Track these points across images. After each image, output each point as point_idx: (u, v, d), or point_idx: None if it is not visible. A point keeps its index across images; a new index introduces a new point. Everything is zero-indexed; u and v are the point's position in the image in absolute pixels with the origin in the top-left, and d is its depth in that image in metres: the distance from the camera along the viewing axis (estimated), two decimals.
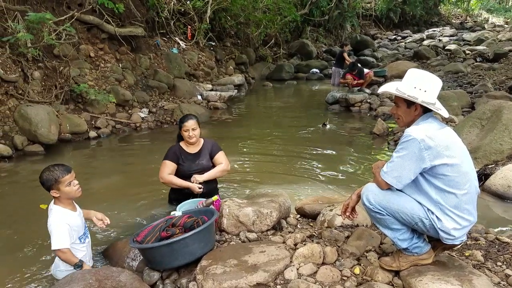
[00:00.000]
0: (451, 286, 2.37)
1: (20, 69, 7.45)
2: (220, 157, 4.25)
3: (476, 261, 2.83)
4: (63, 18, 8.51)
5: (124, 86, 9.38)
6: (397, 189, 2.53)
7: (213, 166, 4.24)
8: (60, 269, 3.11)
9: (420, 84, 2.46)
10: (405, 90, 2.49)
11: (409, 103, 2.51)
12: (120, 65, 9.87)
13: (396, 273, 2.69)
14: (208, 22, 13.43)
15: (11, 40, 7.20)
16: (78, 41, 8.89)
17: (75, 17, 8.74)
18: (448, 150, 2.39)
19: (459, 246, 2.89)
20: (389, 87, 2.60)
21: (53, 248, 2.92)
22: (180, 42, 12.87)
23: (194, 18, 13.29)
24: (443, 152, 2.38)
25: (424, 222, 2.49)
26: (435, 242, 2.67)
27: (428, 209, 2.48)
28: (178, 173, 4.11)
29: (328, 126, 8.72)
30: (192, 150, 4.19)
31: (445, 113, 2.49)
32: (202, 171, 4.10)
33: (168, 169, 4.08)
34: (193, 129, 4.06)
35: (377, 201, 2.53)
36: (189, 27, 13.34)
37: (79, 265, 2.98)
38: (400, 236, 2.59)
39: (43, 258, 3.60)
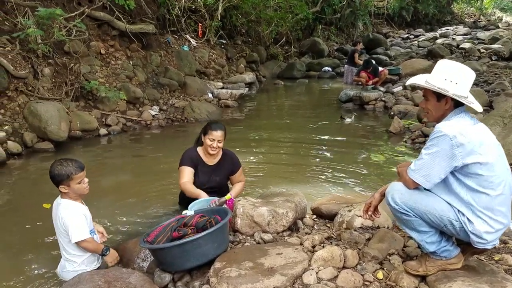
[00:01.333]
0: None
1: (30, 66, 7.37)
2: (240, 173, 3.99)
3: (507, 266, 2.66)
4: (73, 14, 8.42)
5: (134, 84, 9.28)
6: (425, 189, 2.36)
7: (227, 182, 4.02)
8: (66, 269, 3.01)
9: (451, 76, 2.29)
10: (435, 82, 2.32)
11: (439, 96, 2.34)
12: (130, 62, 9.78)
13: (423, 278, 2.53)
14: (219, 19, 13.30)
15: (21, 36, 7.13)
16: (88, 37, 8.80)
17: (85, 13, 8.65)
18: (482, 147, 2.22)
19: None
20: (418, 79, 2.43)
21: (75, 240, 2.84)
22: (191, 40, 12.76)
23: (205, 15, 13.17)
24: (476, 149, 2.21)
25: (454, 224, 2.33)
26: (465, 245, 2.51)
27: (458, 210, 2.32)
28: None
29: (346, 120, 8.51)
30: (211, 161, 3.86)
31: (479, 107, 2.32)
32: (214, 188, 3.79)
33: (187, 175, 3.71)
34: (219, 141, 3.73)
35: (403, 201, 2.37)
36: (200, 24, 13.23)
37: (106, 249, 2.99)
38: (427, 239, 2.43)
39: (50, 258, 3.49)
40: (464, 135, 2.20)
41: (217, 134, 3.71)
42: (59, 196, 2.97)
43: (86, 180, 2.93)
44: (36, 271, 3.37)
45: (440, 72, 2.34)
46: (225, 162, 3.91)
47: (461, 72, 2.32)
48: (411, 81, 2.51)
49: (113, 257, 3.06)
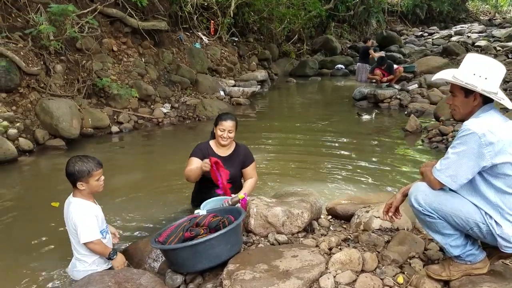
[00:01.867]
0: None
1: (42, 62, 7.35)
2: (252, 169, 3.89)
3: None
4: (86, 11, 8.40)
5: (146, 81, 9.24)
6: (450, 190, 2.24)
7: (241, 175, 3.91)
8: (77, 269, 2.94)
9: (480, 71, 2.16)
10: (463, 77, 2.19)
11: (467, 92, 2.21)
12: (143, 59, 9.74)
13: (446, 283, 2.41)
14: (231, 17, 13.22)
15: (34, 33, 7.12)
16: (101, 34, 8.78)
17: (98, 10, 8.63)
18: None
19: None
20: (445, 74, 2.30)
21: (83, 241, 2.78)
22: (203, 37, 12.70)
23: (217, 12, 13.12)
24: (507, 149, 2.09)
25: (481, 227, 2.20)
26: (490, 249, 2.38)
27: (486, 212, 2.19)
28: (202, 177, 3.69)
29: (364, 117, 8.37)
30: (223, 152, 3.82)
31: (510, 104, 2.19)
32: (228, 180, 3.65)
33: (193, 165, 3.66)
34: (229, 131, 3.70)
35: (427, 203, 2.25)
36: (212, 22, 13.17)
37: (114, 253, 2.91)
38: (452, 242, 2.30)
39: (60, 256, 3.43)
40: (494, 133, 2.08)
41: (228, 124, 3.70)
42: (71, 194, 2.91)
43: (103, 177, 2.89)
44: (46, 269, 3.32)
45: (468, 67, 2.21)
46: (238, 154, 3.86)
47: (490, 66, 2.19)
48: (438, 76, 2.38)
49: (120, 262, 2.98)
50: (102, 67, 8.47)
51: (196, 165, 3.65)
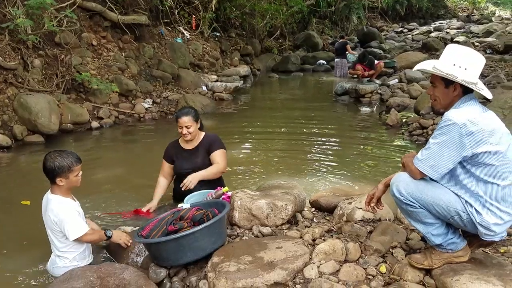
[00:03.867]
0: (493, 287, 2.13)
1: (19, 57, 7.20)
2: (218, 155, 3.77)
3: None
4: (64, 4, 8.22)
5: (127, 76, 9.12)
6: (431, 179, 2.27)
7: (211, 164, 3.81)
8: (57, 265, 2.91)
9: (460, 61, 2.19)
10: (443, 67, 2.22)
11: (448, 83, 2.24)
12: (123, 54, 9.62)
13: (427, 271, 2.44)
14: (213, 11, 13.14)
15: (11, 27, 6.95)
16: (80, 28, 8.63)
17: (77, 4, 8.46)
18: (492, 136, 2.13)
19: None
20: (425, 65, 2.33)
21: (74, 237, 2.78)
22: (185, 32, 12.60)
23: (199, 7, 13.03)
24: (487, 138, 2.12)
25: (461, 215, 2.24)
26: (471, 238, 2.42)
27: (466, 201, 2.23)
28: (174, 172, 3.88)
29: (363, 109, 8.68)
30: (188, 146, 3.84)
31: (489, 94, 2.22)
32: (195, 170, 3.68)
33: (162, 170, 3.93)
34: (187, 127, 3.66)
35: (409, 192, 2.27)
36: (194, 16, 13.07)
37: (108, 231, 2.96)
38: (433, 231, 2.34)
39: (40, 253, 3.36)
40: (474, 123, 2.11)
41: (182, 120, 3.68)
42: (49, 191, 2.87)
43: (81, 172, 2.87)
44: (26, 267, 3.23)
45: (448, 57, 2.24)
46: (203, 144, 3.84)
47: (470, 57, 2.22)
48: (419, 66, 2.41)
49: (120, 235, 3.00)
50: (81, 61, 8.33)
51: (165, 169, 3.95)
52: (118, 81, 8.57)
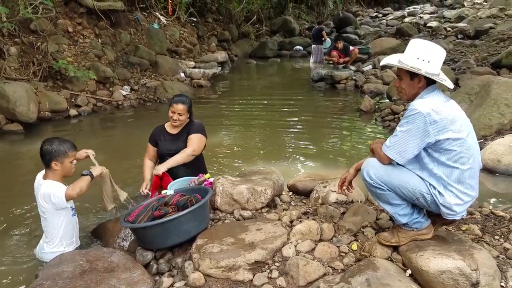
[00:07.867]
0: (453, 261, 2.34)
1: None
2: (191, 138, 3.81)
3: (474, 235, 2.82)
4: None
5: (104, 63, 9.08)
6: (398, 164, 2.47)
7: None
8: (45, 251, 3.03)
9: (423, 55, 2.37)
10: (408, 61, 2.40)
11: (412, 75, 2.43)
12: (99, 40, 9.55)
13: (395, 248, 2.65)
14: None
15: None
16: (55, 15, 8.52)
17: None
18: (454, 124, 2.33)
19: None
20: (391, 59, 2.50)
21: (65, 200, 2.90)
22: (161, 17, 12.51)
23: None
24: (449, 126, 2.31)
25: (426, 197, 2.44)
26: (435, 217, 2.63)
27: (430, 184, 2.43)
28: (158, 154, 3.98)
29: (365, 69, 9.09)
30: (173, 131, 3.94)
31: (450, 84, 2.42)
32: (178, 152, 3.77)
33: (148, 153, 4.00)
34: (179, 114, 3.77)
35: (378, 176, 2.46)
36: (170, 1, 12.96)
37: (87, 172, 3.11)
38: (400, 211, 2.54)
39: (26, 240, 3.46)
40: (437, 112, 2.29)
41: (178, 107, 3.76)
42: (41, 176, 2.97)
43: (75, 161, 3.02)
44: (13, 254, 3.33)
45: (412, 51, 2.42)
46: (186, 129, 3.93)
47: (432, 50, 2.40)
48: (385, 61, 2.58)
49: (100, 170, 3.23)
50: (57, 49, 8.27)
51: (150, 152, 3.99)
52: (95, 68, 8.54)
